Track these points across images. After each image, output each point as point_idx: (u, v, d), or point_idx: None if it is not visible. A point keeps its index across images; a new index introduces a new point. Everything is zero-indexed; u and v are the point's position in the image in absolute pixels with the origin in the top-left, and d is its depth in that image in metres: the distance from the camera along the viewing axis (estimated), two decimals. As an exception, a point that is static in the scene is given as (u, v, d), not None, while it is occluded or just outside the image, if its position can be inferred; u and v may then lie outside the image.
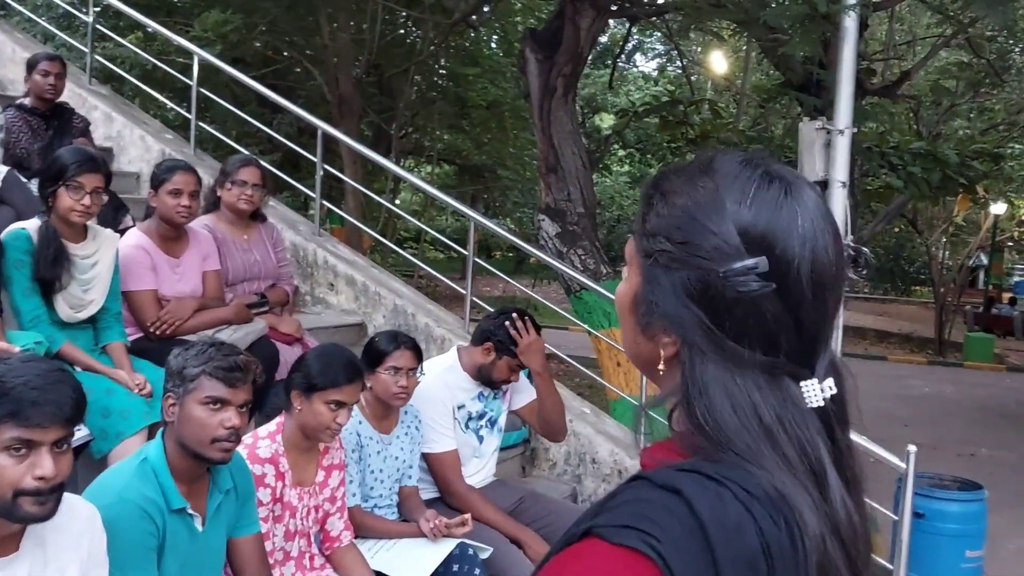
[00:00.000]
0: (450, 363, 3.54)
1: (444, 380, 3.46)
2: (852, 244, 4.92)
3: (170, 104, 6.93)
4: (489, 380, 3.49)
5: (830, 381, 0.86)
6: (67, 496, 1.88)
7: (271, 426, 2.71)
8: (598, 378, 5.65)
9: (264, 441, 2.65)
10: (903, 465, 3.92)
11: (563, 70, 5.87)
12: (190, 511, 2.24)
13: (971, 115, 13.21)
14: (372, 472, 3.16)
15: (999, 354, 17.92)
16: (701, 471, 0.79)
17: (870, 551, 0.90)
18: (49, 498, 1.76)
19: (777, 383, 0.83)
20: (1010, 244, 24.24)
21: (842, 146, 4.79)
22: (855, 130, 4.89)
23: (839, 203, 4.76)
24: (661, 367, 0.87)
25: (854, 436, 0.91)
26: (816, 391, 0.84)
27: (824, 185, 4.82)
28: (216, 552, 2.37)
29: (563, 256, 5.91)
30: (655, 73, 23.10)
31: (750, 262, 0.81)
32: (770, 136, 10.31)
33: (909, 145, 8.59)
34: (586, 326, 5.48)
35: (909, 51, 11.82)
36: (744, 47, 12.84)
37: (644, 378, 4.86)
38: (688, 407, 0.83)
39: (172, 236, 3.63)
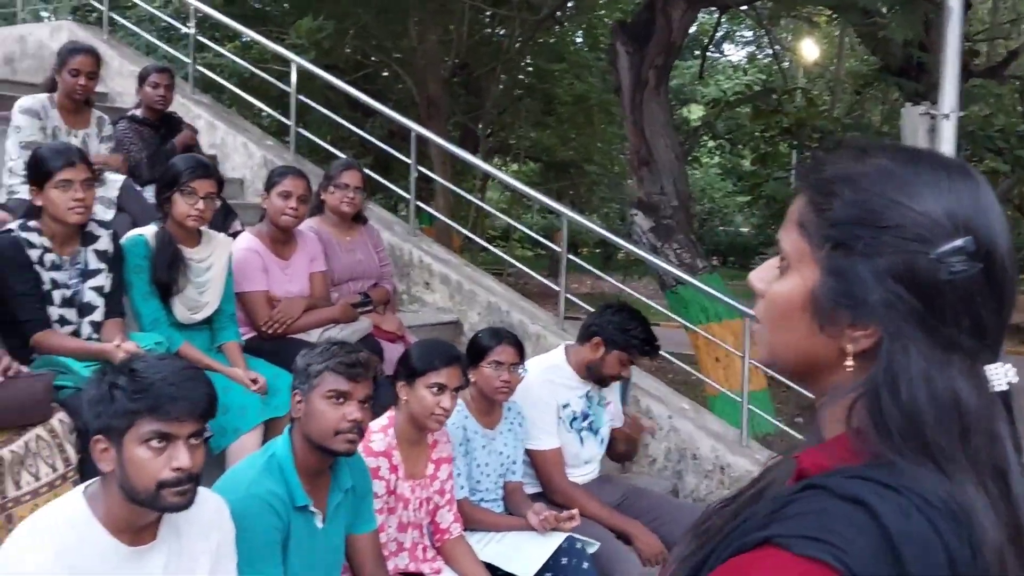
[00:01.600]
0: (556, 361, 3.55)
1: (550, 378, 3.48)
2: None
3: (267, 110, 7.12)
4: (599, 376, 3.49)
5: (1010, 366, 0.83)
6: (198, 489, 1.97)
7: (382, 420, 2.78)
8: (697, 373, 5.59)
9: (377, 435, 2.72)
10: None
11: (654, 62, 5.82)
12: (312, 508, 2.32)
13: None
14: (478, 466, 3.21)
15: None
16: (877, 479, 0.77)
17: None
18: (187, 488, 1.84)
19: (976, 372, 0.81)
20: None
21: (947, 131, 4.62)
22: (961, 114, 4.71)
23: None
24: (849, 363, 0.84)
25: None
26: (1002, 374, 0.82)
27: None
28: (335, 549, 2.44)
29: (658, 251, 5.87)
30: (744, 62, 22.71)
31: (959, 242, 0.80)
32: (867, 123, 10.04)
33: (1016, 128, 8.25)
34: (684, 321, 5.43)
35: (1014, 30, 11.33)
36: (838, 33, 12.49)
37: (746, 373, 4.81)
38: (876, 401, 0.80)
39: (281, 239, 3.75)
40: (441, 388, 2.71)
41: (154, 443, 1.80)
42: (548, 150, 15.55)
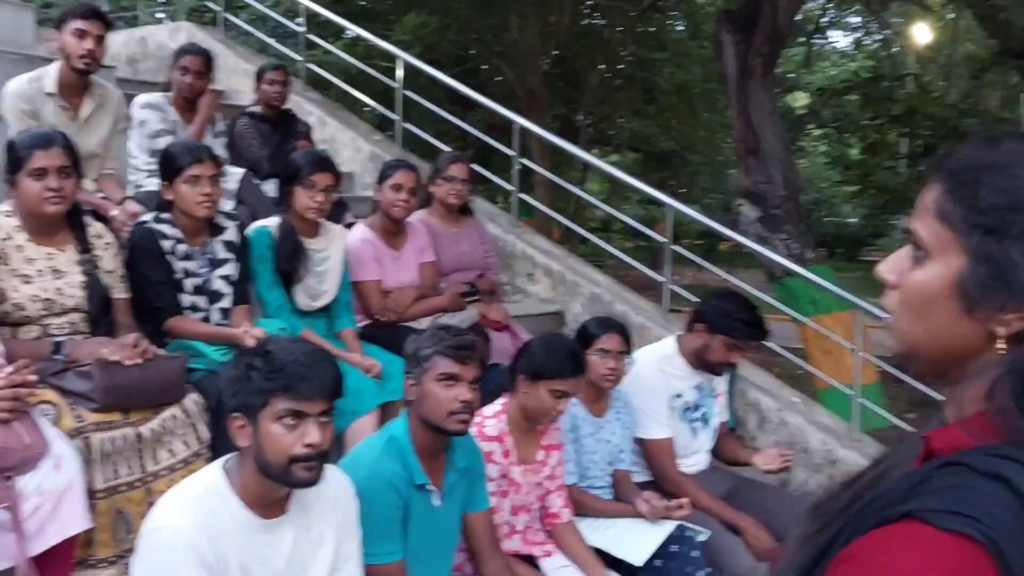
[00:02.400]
0: (668, 351, 3.56)
1: (661, 367, 3.49)
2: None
3: (373, 105, 7.29)
4: (708, 364, 3.48)
5: None
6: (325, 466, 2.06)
7: (496, 407, 2.85)
8: (806, 365, 5.49)
9: (491, 420, 2.79)
10: None
11: (761, 49, 5.73)
12: (429, 487, 2.40)
13: None
14: (587, 453, 3.24)
15: None
16: (1018, 458, 0.78)
17: None
18: (317, 464, 1.94)
19: None
20: None
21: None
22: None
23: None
24: (1001, 346, 0.86)
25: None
26: None
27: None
28: (451, 527, 2.52)
29: (765, 241, 5.78)
30: (852, 48, 22.02)
31: None
32: (985, 109, 9.63)
33: None
34: (793, 313, 5.33)
35: None
36: (951, 16, 12.01)
37: (858, 366, 4.70)
38: (1022, 380, 0.82)
39: (393, 230, 3.86)
40: (564, 394, 2.77)
41: (287, 420, 1.90)
42: (648, 140, 15.44)
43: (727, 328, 3.41)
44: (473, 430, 2.68)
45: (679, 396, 3.50)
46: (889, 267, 0.97)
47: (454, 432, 2.39)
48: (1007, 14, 5.04)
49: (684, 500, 3.10)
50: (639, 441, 3.44)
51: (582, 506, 3.10)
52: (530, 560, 2.85)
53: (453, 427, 2.37)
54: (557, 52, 11.47)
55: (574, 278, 5.58)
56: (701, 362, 3.48)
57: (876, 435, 4.93)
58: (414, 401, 2.41)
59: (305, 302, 3.47)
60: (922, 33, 14.46)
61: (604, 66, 12.83)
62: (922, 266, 0.91)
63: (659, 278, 5.35)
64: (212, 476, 2.00)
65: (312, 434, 1.91)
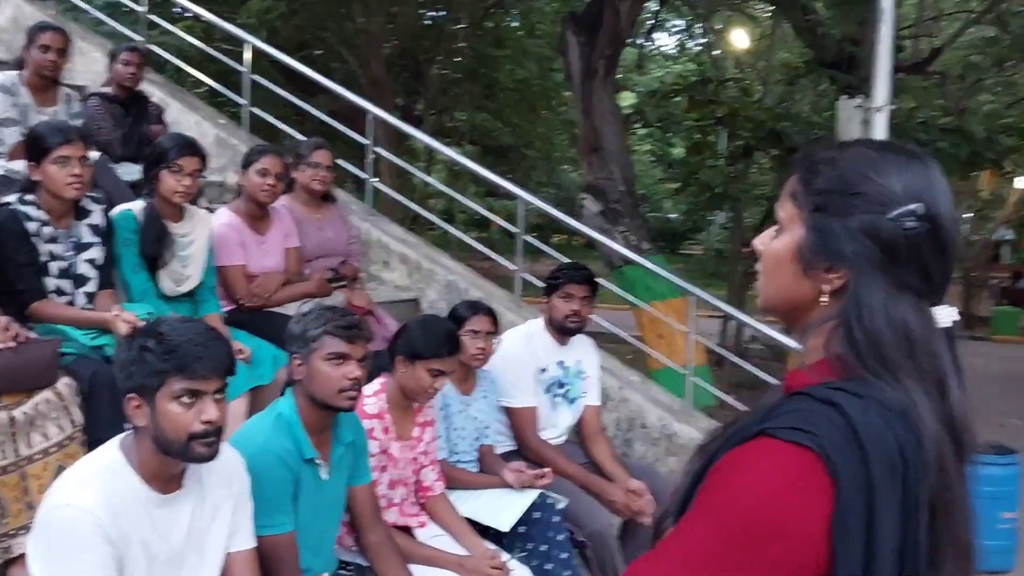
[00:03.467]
0: (535, 327, 3.82)
1: (529, 340, 3.75)
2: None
3: (219, 88, 7.13)
4: (560, 325, 3.75)
5: (954, 309, 1.10)
6: None
7: (375, 386, 2.97)
8: (644, 347, 5.89)
9: (370, 399, 2.91)
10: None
11: (604, 52, 6.06)
12: (318, 461, 2.51)
13: (996, 90, 13.28)
14: (455, 430, 3.42)
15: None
16: (847, 389, 1.01)
17: (975, 439, 1.11)
18: (215, 440, 2.02)
19: (922, 307, 1.07)
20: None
21: (880, 123, 4.99)
22: (893, 107, 5.08)
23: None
24: (824, 300, 1.10)
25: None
26: (947, 314, 1.09)
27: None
28: (338, 499, 2.63)
29: (606, 233, 6.13)
30: (674, 51, 23.11)
31: (911, 206, 1.06)
32: (798, 113, 10.45)
33: (936, 121, 8.73)
34: (633, 299, 5.71)
35: (934, 27, 11.90)
36: (770, 23, 12.92)
37: (692, 348, 5.11)
38: (848, 327, 1.06)
39: (258, 215, 3.88)
40: (441, 374, 2.92)
41: (184, 399, 1.97)
42: (489, 134, 15.74)
43: (553, 282, 3.74)
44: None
45: (544, 370, 3.74)
46: (759, 240, 1.21)
47: (343, 409, 2.51)
48: (824, 28, 5.59)
49: (547, 470, 3.34)
50: (505, 410, 3.66)
51: (452, 480, 3.27)
52: (406, 531, 3.00)
53: (343, 404, 2.48)
54: (397, 41, 11.51)
55: (430, 266, 5.73)
56: (556, 328, 3.75)
57: (705, 411, 5.38)
58: (301, 380, 2.50)
59: (170, 287, 3.46)
60: (741, 39, 15.42)
61: (444, 59, 12.98)
62: (777, 238, 1.16)
63: (512, 267, 5.59)
64: (110, 455, 2.03)
65: (209, 411, 1.98)
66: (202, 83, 7.16)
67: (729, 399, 5.36)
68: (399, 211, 9.11)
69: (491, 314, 3.46)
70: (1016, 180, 17.28)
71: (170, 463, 2.04)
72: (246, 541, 2.23)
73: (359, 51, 11.04)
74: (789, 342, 5.41)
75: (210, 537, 2.14)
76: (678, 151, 23.57)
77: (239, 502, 2.23)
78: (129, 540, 1.96)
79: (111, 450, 2.05)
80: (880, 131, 5.00)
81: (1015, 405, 10.47)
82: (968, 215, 18.47)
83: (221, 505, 2.18)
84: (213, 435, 2.02)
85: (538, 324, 3.84)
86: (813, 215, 1.11)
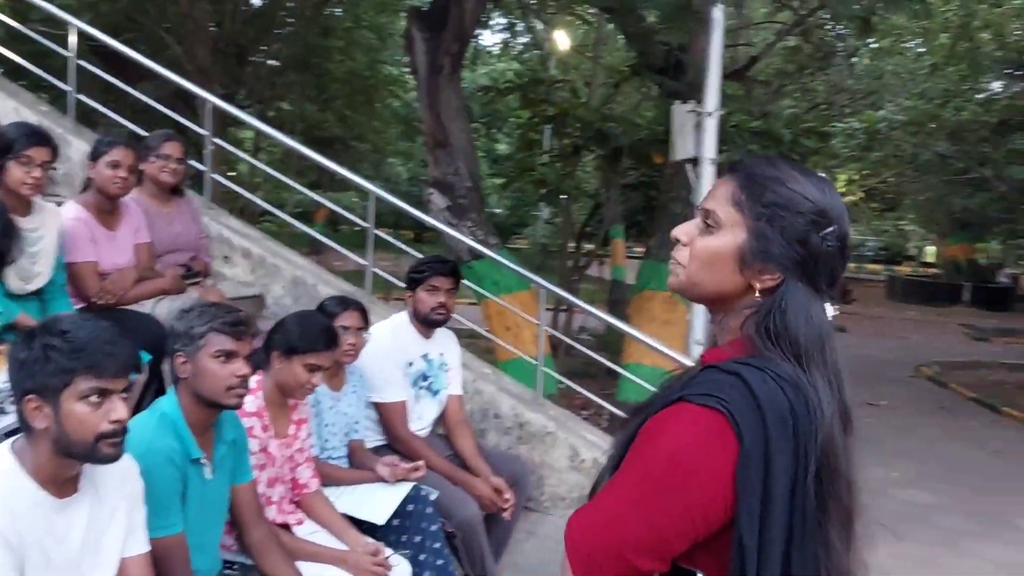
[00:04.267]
0: (402, 321, 3.85)
1: (398, 335, 3.78)
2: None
3: (41, 74, 6.67)
4: (426, 318, 3.81)
5: (834, 305, 1.34)
6: None
7: (251, 383, 2.93)
8: (496, 339, 6.04)
9: (249, 397, 2.86)
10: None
11: (450, 48, 6.15)
12: (203, 460, 2.47)
13: (796, 95, 14.40)
14: (327, 426, 3.43)
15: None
16: (751, 363, 1.25)
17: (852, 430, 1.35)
18: (121, 440, 1.97)
19: (824, 306, 1.32)
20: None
21: (711, 127, 5.36)
22: (722, 112, 5.46)
23: (709, 179, 5.31)
24: (757, 296, 1.32)
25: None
26: (831, 310, 1.33)
27: (695, 163, 5.37)
28: (222, 498, 2.60)
29: (454, 228, 6.22)
30: (497, 49, 23.50)
31: (832, 228, 1.30)
32: (621, 115, 10.92)
33: (748, 124, 9.37)
34: (483, 291, 5.84)
35: (748, 35, 12.74)
36: (595, 26, 13.39)
37: (542, 338, 5.29)
38: (766, 318, 1.28)
39: (108, 209, 3.72)
40: (318, 368, 2.92)
41: (92, 399, 1.91)
42: (316, 125, 15.45)
43: (419, 275, 3.81)
44: (234, 404, 2.77)
45: (410, 364, 3.80)
46: (684, 231, 1.40)
47: (232, 406, 2.48)
48: (661, 37, 5.92)
49: (420, 463, 3.41)
50: (374, 405, 3.69)
51: (326, 476, 3.28)
52: (285, 529, 2.99)
53: (231, 402, 2.46)
54: (223, 29, 11.10)
55: (274, 260, 5.63)
56: (423, 322, 3.81)
57: (551, 398, 5.59)
58: (187, 378, 2.46)
59: (17, 284, 3.26)
60: (563, 40, 15.88)
61: (270, 48, 12.65)
62: (714, 234, 1.34)
63: (362, 262, 5.58)
64: (2, 458, 1.94)
65: (118, 410, 1.94)
66: (16, 67, 6.64)
67: (575, 386, 5.59)
68: (228, 204, 8.83)
69: (361, 309, 3.49)
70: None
71: (67, 466, 1.97)
72: (141, 545, 2.18)
73: (184, 38, 10.58)
74: (628, 329, 5.72)
75: (106, 540, 2.08)
76: (502, 147, 24.05)
77: (133, 504, 2.18)
78: (27, 545, 1.89)
79: (3, 454, 1.96)
80: (711, 135, 5.37)
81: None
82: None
83: (117, 507, 2.12)
84: (121, 435, 1.97)
85: (402, 318, 3.89)
86: (758, 223, 1.31)
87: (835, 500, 1.24)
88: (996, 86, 13.98)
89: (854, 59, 15.27)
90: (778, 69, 11.24)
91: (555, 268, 12.01)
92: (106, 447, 1.94)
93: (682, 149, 5.35)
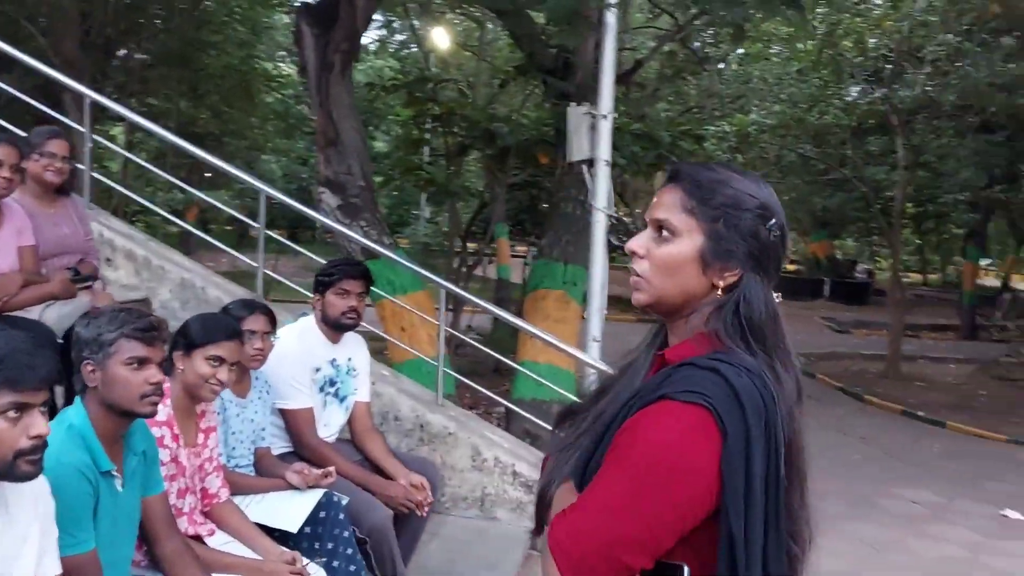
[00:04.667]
0: (308, 324, 3.76)
1: (305, 340, 3.68)
2: (615, 216, 5.63)
3: None
4: (336, 322, 3.73)
5: (778, 293, 1.43)
6: None
7: (160, 391, 2.82)
8: (399, 341, 5.98)
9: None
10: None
11: (340, 45, 6.04)
12: (114, 472, 2.35)
13: (670, 99, 14.86)
14: (233, 433, 3.33)
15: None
16: (722, 359, 1.29)
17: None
18: (40, 457, 1.85)
19: (772, 292, 1.39)
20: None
21: (605, 129, 5.46)
22: (616, 115, 5.58)
23: (604, 180, 5.42)
24: (720, 293, 1.37)
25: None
26: (778, 297, 1.41)
27: (591, 164, 5.47)
28: (134, 511, 2.49)
29: (347, 228, 6.11)
30: (374, 46, 23.26)
31: (774, 220, 1.38)
32: (507, 115, 11.00)
33: (629, 127, 9.61)
34: (380, 292, 5.76)
35: (620, 40, 13.04)
36: (481, 24, 13.42)
37: (442, 339, 5.28)
38: (731, 313, 1.34)
39: (-11, 210, 3.49)
40: (220, 361, 2.83)
41: (11, 414, 1.80)
42: (190, 121, 14.90)
43: (328, 278, 3.72)
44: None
45: (318, 369, 3.72)
46: (639, 243, 1.43)
47: (146, 414, 2.38)
48: (555, 40, 5.99)
49: (331, 468, 3.35)
50: (281, 412, 3.60)
51: (235, 485, 3.18)
52: (197, 540, 2.88)
53: (145, 410, 2.36)
54: (100, 21, 10.56)
55: (160, 263, 5.42)
56: (331, 326, 3.74)
57: (449, 398, 5.59)
58: (96, 387, 2.34)
59: None
60: (443, 38, 15.85)
61: (139, 41, 12.12)
62: (672, 243, 1.39)
63: (253, 264, 5.42)
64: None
65: (38, 425, 1.83)
66: None
67: (475, 385, 5.61)
68: (101, 204, 8.41)
69: (268, 312, 3.39)
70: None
71: None
72: (53, 566, 2.06)
73: (50, 29, 10.01)
74: (530, 328, 5.77)
75: (19, 561, 1.95)
76: (380, 145, 23.85)
77: (46, 525, 2.06)
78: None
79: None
80: (605, 137, 5.48)
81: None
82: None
83: (30, 531, 2.00)
84: (40, 451, 1.86)
85: (310, 322, 3.81)
86: (713, 225, 1.37)
87: (795, 469, 1.31)
88: (854, 91, 14.80)
89: (721, 65, 15.89)
90: (656, 73, 11.57)
91: (440, 268, 12.00)
92: (24, 464, 1.83)
93: (578, 150, 5.43)
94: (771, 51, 16.15)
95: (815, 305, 23.94)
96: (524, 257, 17.44)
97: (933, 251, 30.04)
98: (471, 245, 11.86)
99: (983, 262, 24.01)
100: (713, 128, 15.09)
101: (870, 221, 21.34)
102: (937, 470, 8.91)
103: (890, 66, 13.55)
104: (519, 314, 7.29)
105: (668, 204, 1.40)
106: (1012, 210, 18.25)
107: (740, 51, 16.25)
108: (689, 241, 1.37)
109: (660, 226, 1.40)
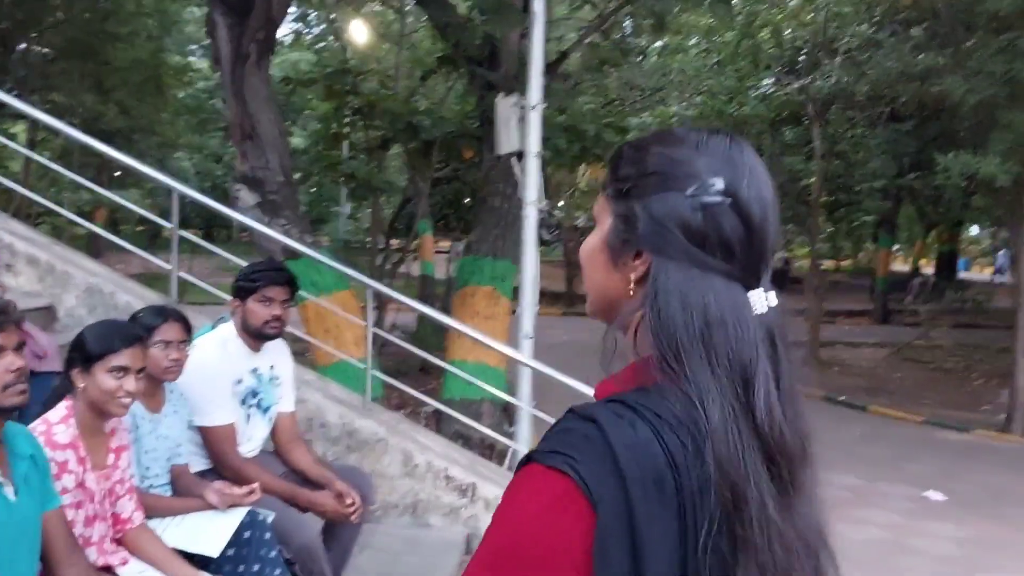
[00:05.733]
0: (227, 334, 3.50)
1: (223, 350, 3.42)
2: (547, 209, 5.50)
3: None
4: (258, 332, 3.48)
5: (772, 295, 1.03)
6: None
7: (60, 411, 2.57)
8: (324, 345, 5.74)
9: (59, 427, 2.51)
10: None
11: (256, 35, 5.76)
12: (1, 480, 2.13)
13: (592, 91, 14.82)
14: (147, 452, 3.08)
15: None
16: (624, 401, 0.94)
17: (805, 444, 1.04)
18: None
19: (731, 289, 0.99)
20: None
21: (535, 120, 5.32)
22: (544, 106, 5.44)
23: (535, 172, 5.28)
24: (632, 289, 1.02)
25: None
26: (761, 299, 1.01)
27: (520, 156, 5.32)
28: (31, 523, 2.24)
29: (267, 226, 5.84)
30: (289, 39, 22.72)
31: (709, 180, 0.99)
32: (429, 109, 10.79)
33: (554, 119, 9.51)
34: (302, 293, 5.51)
35: (563, 32, 12.95)
36: (401, 15, 13.16)
37: (370, 340, 5.07)
38: (649, 314, 0.98)
39: None
40: (123, 371, 2.59)
41: None
42: (96, 118, 14.24)
43: (250, 284, 3.46)
44: (41, 439, 2.41)
45: (239, 381, 3.47)
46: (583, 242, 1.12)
47: (13, 406, 2.22)
48: (487, 29, 5.81)
49: (254, 485, 3.12)
50: (198, 429, 3.35)
51: (150, 508, 2.93)
52: (108, 572, 2.64)
53: (12, 401, 2.20)
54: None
55: (65, 268, 5.09)
56: (253, 335, 3.49)
57: (378, 402, 5.39)
58: None
59: None
60: (361, 30, 15.50)
61: (41, 34, 11.52)
62: (592, 233, 1.09)
63: (166, 266, 5.12)
64: None
65: None
66: None
67: (403, 387, 5.42)
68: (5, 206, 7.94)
69: (182, 320, 3.14)
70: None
71: None
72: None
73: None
74: (455, 324, 5.61)
75: None
76: (297, 140, 23.30)
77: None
78: None
79: None
80: (535, 129, 5.33)
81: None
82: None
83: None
84: None
85: (229, 329, 3.55)
86: (619, 202, 1.04)
87: (747, 544, 0.92)
88: (768, 82, 15.02)
89: (640, 58, 15.94)
90: (579, 65, 11.50)
91: (362, 265, 11.73)
92: None
93: (507, 143, 5.28)
94: (689, 43, 16.28)
95: (735, 294, 24.25)
96: (447, 253, 17.24)
97: (844, 238, 30.88)
98: (394, 241, 11.60)
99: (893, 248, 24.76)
100: (636, 120, 15.12)
101: (787, 210, 21.76)
102: (859, 454, 9.07)
103: (805, 57, 13.79)
104: (444, 311, 7.12)
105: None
106: (921, 198, 18.81)
107: (658, 44, 16.33)
108: (600, 228, 1.07)
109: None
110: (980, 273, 33.86)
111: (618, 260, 1.04)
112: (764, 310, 1.01)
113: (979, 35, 10.27)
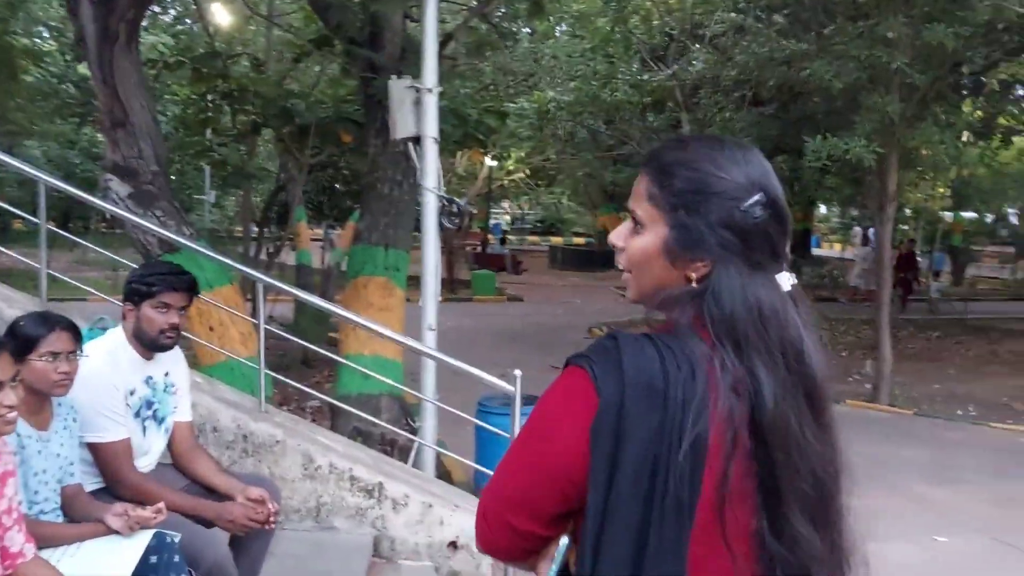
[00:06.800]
0: (117, 341, 3.18)
1: (114, 360, 3.11)
2: (447, 196, 5.33)
3: None
4: (153, 341, 3.19)
5: (791, 274, 1.28)
6: None
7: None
8: (211, 344, 5.39)
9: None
10: (512, 388, 4.47)
11: (125, 14, 5.33)
12: None
13: (467, 76, 14.64)
14: (35, 474, 2.76)
15: (499, 287, 20.53)
16: (648, 335, 1.21)
17: (830, 398, 1.27)
18: None
19: (771, 281, 1.24)
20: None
21: (431, 104, 5.14)
22: (441, 89, 5.27)
23: (433, 158, 5.10)
24: (695, 284, 1.25)
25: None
26: (787, 279, 1.27)
27: (417, 141, 5.14)
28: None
29: (140, 219, 5.44)
30: (145, 22, 21.53)
31: (756, 197, 1.23)
32: (303, 92, 10.40)
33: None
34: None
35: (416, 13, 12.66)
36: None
37: (262, 338, 4.78)
38: (705, 304, 1.22)
39: None
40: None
41: None
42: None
43: (146, 288, 3.17)
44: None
45: (133, 392, 3.17)
46: (617, 235, 1.34)
47: None
48: (379, 8, 5.56)
49: (160, 504, 2.85)
50: (90, 446, 3.04)
51: (41, 538, 2.62)
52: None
53: None
54: None
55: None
56: (147, 344, 3.20)
57: (270, 402, 5.12)
58: None
59: None
60: (223, 13, 14.79)
61: None
62: (641, 235, 1.29)
63: (35, 264, 4.68)
64: None
65: None
66: None
67: (295, 383, 5.17)
68: None
69: (72, 328, 2.82)
70: (486, 159, 19.40)
71: None
72: None
73: None
74: (352, 316, 5.38)
75: None
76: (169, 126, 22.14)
77: None
78: None
79: None
80: (431, 111, 5.15)
81: (508, 355, 11.70)
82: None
83: None
84: None
85: (119, 337, 3.23)
86: (674, 214, 1.25)
87: (790, 484, 1.18)
88: (635, 67, 15.26)
89: (511, 43, 15.88)
90: (457, 49, 11.32)
91: (233, 255, 11.24)
92: None
93: (403, 127, 5.07)
94: (560, 29, 16.34)
95: (607, 276, 24.73)
96: (322, 241, 16.78)
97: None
98: (266, 231, 11.15)
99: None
100: (514, 106, 15.06)
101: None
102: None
103: (673, 42, 14.04)
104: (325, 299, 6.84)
105: (638, 193, 1.30)
106: (793, 181, 19.57)
107: (527, 29, 16.33)
108: (654, 233, 1.28)
109: (633, 217, 1.31)
110: (830, 250, 35.71)
111: (677, 261, 1.26)
112: (789, 288, 1.26)
113: (839, 21, 10.67)
